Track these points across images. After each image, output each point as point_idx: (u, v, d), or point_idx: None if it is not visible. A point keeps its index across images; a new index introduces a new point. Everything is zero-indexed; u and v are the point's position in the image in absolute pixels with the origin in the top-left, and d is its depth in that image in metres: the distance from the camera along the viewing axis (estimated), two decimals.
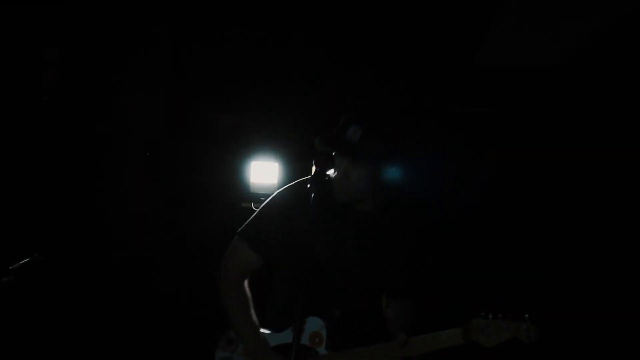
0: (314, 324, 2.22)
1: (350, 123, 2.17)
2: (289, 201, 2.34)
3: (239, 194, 4.31)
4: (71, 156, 4.27)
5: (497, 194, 4.36)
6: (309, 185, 2.07)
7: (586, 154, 4.29)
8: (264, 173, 4.22)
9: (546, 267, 4.20)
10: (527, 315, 2.02)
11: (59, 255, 3.45)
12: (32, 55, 4.12)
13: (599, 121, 4.28)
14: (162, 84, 4.52)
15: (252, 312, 2.34)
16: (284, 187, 2.43)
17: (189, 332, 4.30)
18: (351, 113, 2.23)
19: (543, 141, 4.44)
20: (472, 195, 4.32)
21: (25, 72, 4.13)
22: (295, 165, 4.23)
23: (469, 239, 4.23)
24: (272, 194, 2.43)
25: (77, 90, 4.31)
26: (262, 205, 2.41)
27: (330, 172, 2.24)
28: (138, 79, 4.45)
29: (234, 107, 4.62)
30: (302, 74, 4.43)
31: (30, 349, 3.84)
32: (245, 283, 2.40)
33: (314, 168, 2.18)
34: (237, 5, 3.88)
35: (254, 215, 2.41)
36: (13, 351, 3.76)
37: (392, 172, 2.28)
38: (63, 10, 3.94)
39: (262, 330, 2.31)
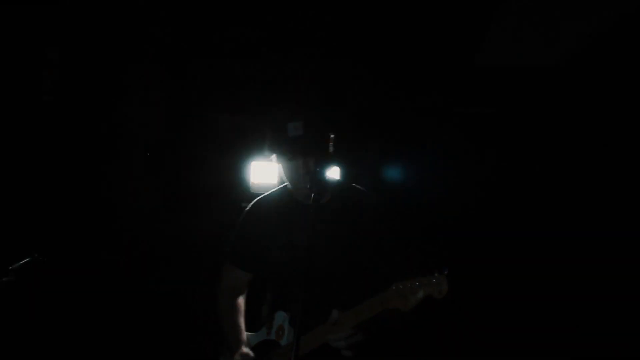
0: (279, 318, 2.33)
1: (286, 123, 2.22)
2: (257, 213, 2.50)
3: (239, 194, 4.31)
4: (71, 156, 4.27)
5: (497, 193, 4.36)
6: (309, 186, 2.13)
7: (586, 153, 4.29)
8: (264, 173, 4.22)
9: (546, 266, 4.20)
10: (436, 269, 1.99)
11: (59, 255, 3.45)
12: (32, 55, 4.12)
13: (599, 121, 4.28)
14: (162, 84, 4.52)
15: (239, 317, 2.48)
16: (255, 200, 2.56)
17: (188, 332, 4.30)
18: (279, 115, 2.28)
19: (543, 141, 4.44)
20: (472, 194, 4.33)
21: (25, 72, 4.13)
22: None
23: (469, 238, 4.23)
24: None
25: (77, 90, 4.31)
26: (238, 222, 2.57)
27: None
28: (138, 79, 4.45)
29: (234, 107, 4.62)
30: (302, 73, 4.43)
31: (30, 349, 3.84)
32: (239, 295, 2.54)
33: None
34: (237, 5, 3.87)
35: (231, 232, 2.58)
36: (13, 351, 3.76)
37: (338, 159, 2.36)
38: (63, 10, 3.94)
39: (248, 332, 2.44)
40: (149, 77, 4.46)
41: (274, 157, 2.34)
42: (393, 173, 4.40)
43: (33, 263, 2.52)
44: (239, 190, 4.30)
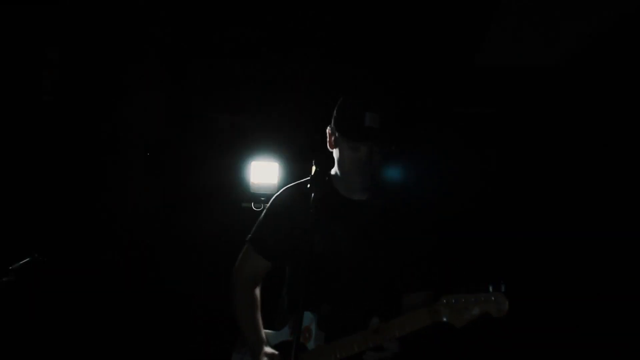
0: (305, 319, 2.21)
1: (364, 112, 2.21)
2: (288, 202, 2.39)
3: (239, 194, 4.31)
4: (71, 156, 4.27)
5: (497, 194, 4.35)
6: (308, 185, 2.10)
7: (586, 154, 4.29)
8: (264, 173, 4.22)
9: (546, 266, 4.20)
10: (492, 286, 1.91)
11: (59, 255, 3.45)
12: (32, 55, 4.12)
13: (599, 121, 4.28)
14: (162, 84, 4.52)
15: (257, 313, 2.38)
16: (284, 187, 2.47)
17: (188, 332, 4.30)
18: (359, 103, 2.27)
19: (543, 141, 4.44)
20: (472, 195, 4.32)
21: (25, 72, 4.13)
22: (295, 165, 4.23)
23: (469, 239, 4.23)
24: (273, 194, 2.48)
25: (77, 90, 4.31)
26: (266, 208, 2.48)
27: (334, 169, 2.32)
28: (138, 79, 4.45)
29: (234, 107, 4.62)
30: (302, 74, 4.43)
31: (30, 349, 3.84)
32: (256, 287, 2.44)
33: (314, 168, 2.20)
34: (237, 5, 3.87)
35: (259, 219, 2.47)
36: (13, 351, 3.76)
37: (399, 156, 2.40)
38: (63, 10, 3.94)
39: (266, 330, 2.34)
40: (149, 77, 4.46)
41: (332, 140, 2.31)
42: (392, 173, 4.40)
43: (33, 263, 2.52)
44: (239, 190, 4.30)
